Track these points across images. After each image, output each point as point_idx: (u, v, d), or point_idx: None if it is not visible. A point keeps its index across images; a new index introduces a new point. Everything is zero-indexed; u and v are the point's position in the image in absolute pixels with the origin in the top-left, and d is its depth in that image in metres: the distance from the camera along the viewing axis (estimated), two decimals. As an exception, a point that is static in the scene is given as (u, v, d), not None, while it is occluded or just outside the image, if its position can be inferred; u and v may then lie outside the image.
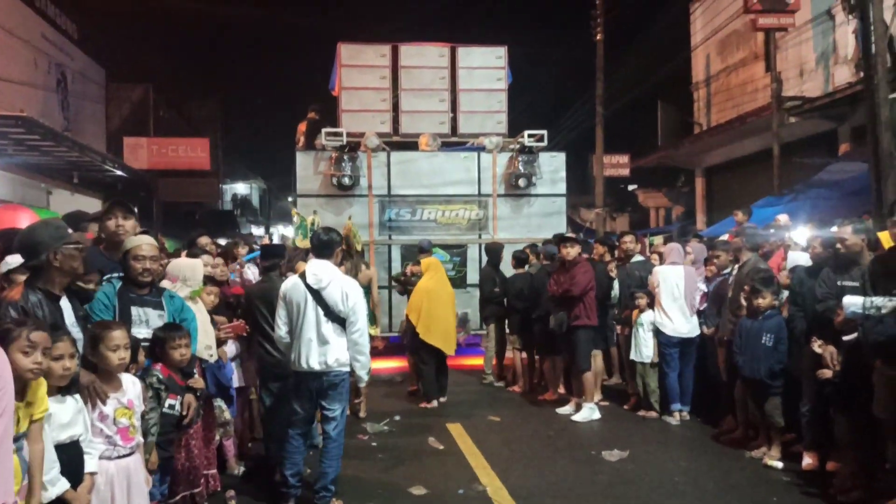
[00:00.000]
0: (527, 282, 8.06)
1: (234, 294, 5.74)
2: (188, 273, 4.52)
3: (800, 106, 12.84)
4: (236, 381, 5.30)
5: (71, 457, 2.83)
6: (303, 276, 4.63)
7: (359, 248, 8.18)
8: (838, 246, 4.78)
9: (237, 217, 30.02)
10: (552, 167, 10.87)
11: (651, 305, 6.89)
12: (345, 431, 4.71)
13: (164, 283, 4.31)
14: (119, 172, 16.74)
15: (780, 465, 5.30)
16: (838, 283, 4.72)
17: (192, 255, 5.36)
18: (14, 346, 2.53)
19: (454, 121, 11.41)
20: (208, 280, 5.00)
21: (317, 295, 4.53)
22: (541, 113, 20.34)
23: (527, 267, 8.33)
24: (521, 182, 10.58)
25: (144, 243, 3.86)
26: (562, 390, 7.73)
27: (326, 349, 4.51)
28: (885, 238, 4.75)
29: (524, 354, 8.33)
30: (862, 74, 7.94)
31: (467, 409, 7.37)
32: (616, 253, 7.99)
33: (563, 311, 6.95)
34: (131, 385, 3.32)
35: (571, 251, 6.98)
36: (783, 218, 8.27)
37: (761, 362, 5.39)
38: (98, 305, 3.66)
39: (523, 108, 16.66)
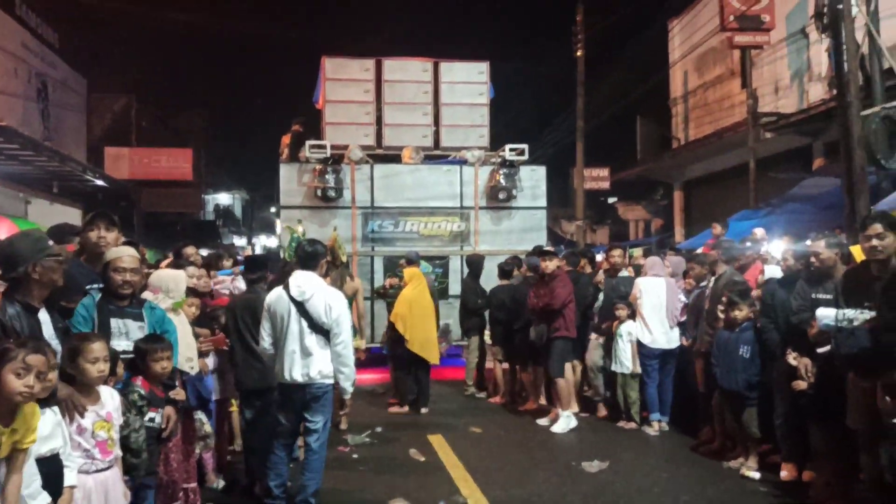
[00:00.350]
0: (509, 293, 8.12)
1: (215, 306, 5.70)
2: (170, 284, 4.50)
3: (775, 122, 13.09)
4: (215, 394, 5.27)
5: (51, 470, 2.80)
6: (287, 287, 4.63)
7: (344, 259, 8.22)
8: (813, 260, 4.88)
9: (219, 228, 29.83)
10: (533, 181, 11.01)
11: (632, 316, 6.97)
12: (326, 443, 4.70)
13: (146, 295, 4.28)
14: (100, 182, 16.59)
15: (757, 475, 5.36)
16: (812, 295, 4.80)
17: (177, 265, 5.31)
18: (8, 367, 2.50)
19: (437, 134, 11.52)
20: (190, 292, 4.98)
21: (300, 307, 4.54)
22: (522, 127, 20.52)
23: (512, 279, 8.39)
24: (503, 195, 10.70)
25: (125, 255, 3.84)
26: (543, 401, 7.77)
27: (310, 361, 4.51)
28: (857, 252, 4.86)
29: (506, 365, 8.37)
30: (835, 92, 8.12)
31: (449, 421, 7.38)
32: (603, 265, 8.05)
33: (543, 324, 7.03)
34: (110, 398, 3.29)
35: (550, 264, 7.07)
36: (760, 231, 8.41)
37: (738, 374, 5.46)
38: (77, 317, 3.63)
39: (505, 123, 16.82)
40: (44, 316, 3.19)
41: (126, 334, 3.77)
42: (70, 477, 2.93)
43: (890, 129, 7.56)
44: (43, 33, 16.91)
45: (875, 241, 4.07)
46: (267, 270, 5.60)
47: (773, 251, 7.31)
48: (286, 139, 11.64)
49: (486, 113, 11.65)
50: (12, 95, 14.64)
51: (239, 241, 32.00)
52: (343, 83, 11.27)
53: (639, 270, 7.58)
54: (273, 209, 37.73)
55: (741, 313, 5.54)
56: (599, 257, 9.31)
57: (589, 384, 7.76)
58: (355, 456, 6.16)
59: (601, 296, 7.53)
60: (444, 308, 9.20)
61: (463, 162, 10.99)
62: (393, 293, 8.48)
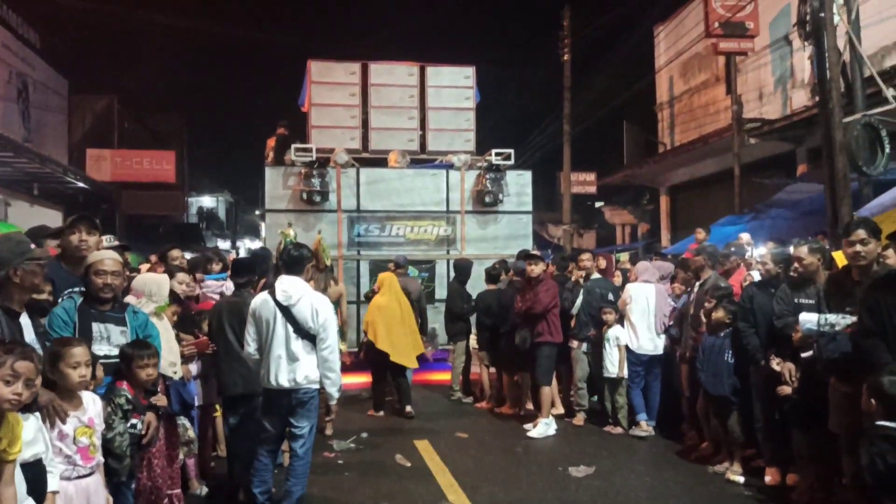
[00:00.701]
0: (496, 298, 8.11)
1: (199, 309, 5.63)
2: (153, 289, 4.45)
3: (759, 128, 13.23)
4: (199, 399, 5.21)
5: (35, 475, 2.75)
6: (272, 292, 4.59)
7: (327, 262, 8.18)
8: (796, 265, 4.91)
9: (203, 230, 29.58)
10: (519, 185, 11.05)
11: (620, 321, 6.99)
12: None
13: (129, 299, 4.23)
14: (80, 184, 16.42)
15: (741, 479, 5.39)
16: (794, 300, 4.84)
17: (167, 271, 5.23)
18: None
19: (423, 138, 11.54)
20: (172, 297, 4.91)
21: (286, 311, 4.50)
22: (509, 131, 20.60)
23: (499, 283, 8.38)
24: (489, 199, 10.71)
25: (107, 258, 3.79)
26: (530, 406, 7.77)
27: (296, 366, 4.47)
28: (839, 257, 4.91)
29: (492, 370, 8.36)
30: (818, 99, 8.21)
31: (435, 426, 7.35)
32: (573, 270, 8.04)
33: (527, 329, 7.03)
34: (91, 403, 3.25)
35: (535, 269, 7.08)
36: (745, 236, 8.48)
37: (723, 379, 5.49)
38: (57, 321, 3.58)
39: (491, 126, 16.88)
40: (25, 320, 3.15)
41: (107, 339, 3.73)
42: (52, 482, 2.88)
43: (871, 135, 7.66)
44: (24, 33, 16.72)
45: (858, 247, 4.11)
46: (255, 274, 5.52)
47: (759, 256, 7.37)
48: (271, 142, 11.60)
49: (473, 117, 11.71)
50: (-8, 96, 14.45)
51: (223, 245, 31.74)
52: (329, 86, 11.27)
53: (625, 275, 7.61)
54: (258, 212, 37.51)
55: (718, 314, 5.56)
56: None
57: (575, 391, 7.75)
58: (341, 462, 6.12)
59: (579, 300, 7.47)
60: (431, 313, 9.18)
61: (449, 166, 11.00)
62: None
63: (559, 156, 19.32)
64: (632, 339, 6.87)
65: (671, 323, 6.83)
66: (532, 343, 7.03)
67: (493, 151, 10.86)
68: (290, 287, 4.56)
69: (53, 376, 3.10)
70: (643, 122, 20.44)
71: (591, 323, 7.29)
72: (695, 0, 15.36)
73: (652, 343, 6.83)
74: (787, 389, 4.84)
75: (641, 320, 6.84)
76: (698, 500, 5.13)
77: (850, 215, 6.96)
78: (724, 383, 5.48)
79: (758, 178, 13.49)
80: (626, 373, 6.90)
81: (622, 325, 6.98)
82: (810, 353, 4.59)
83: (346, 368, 7.18)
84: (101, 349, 3.65)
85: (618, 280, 7.80)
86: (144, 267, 6.92)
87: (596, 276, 7.71)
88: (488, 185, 10.72)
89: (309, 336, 4.50)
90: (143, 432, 3.70)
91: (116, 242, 6.25)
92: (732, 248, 6.90)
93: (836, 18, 7.64)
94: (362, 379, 9.20)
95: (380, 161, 11.15)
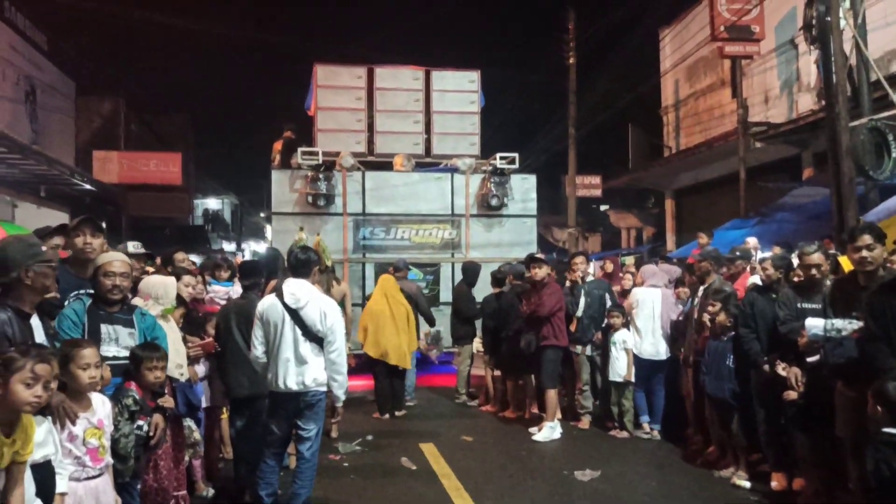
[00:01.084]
0: (500, 301, 8.12)
1: (207, 311, 5.64)
2: (160, 291, 4.48)
3: (765, 131, 13.22)
4: (205, 401, 5.23)
5: (44, 476, 2.78)
6: (280, 295, 4.61)
7: (328, 263, 8.21)
8: (813, 272, 4.87)
9: (208, 232, 29.65)
10: (523, 189, 11.08)
11: (626, 325, 6.99)
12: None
13: (136, 301, 4.26)
14: (87, 186, 16.48)
15: (747, 484, 5.38)
16: (798, 305, 4.83)
17: (174, 273, 5.24)
18: (16, 377, 2.47)
19: (428, 142, 11.58)
20: (178, 300, 4.92)
21: (295, 314, 4.51)
22: (513, 135, 20.60)
23: (504, 286, 8.39)
24: (493, 203, 10.74)
25: (116, 260, 3.82)
26: (535, 409, 7.77)
27: (304, 369, 4.49)
28: (845, 262, 4.90)
29: (497, 373, 8.36)
30: (823, 103, 8.20)
31: (440, 429, 7.36)
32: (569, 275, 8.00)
33: (532, 332, 7.03)
34: (101, 405, 3.27)
35: (539, 272, 7.08)
36: (752, 241, 8.46)
37: (726, 382, 5.49)
38: (67, 323, 3.61)
39: (496, 131, 16.88)
40: (35, 322, 3.17)
41: (116, 340, 3.75)
42: (61, 484, 2.90)
43: (877, 139, 7.64)
44: (32, 35, 16.80)
45: (865, 253, 4.10)
46: (261, 277, 5.54)
47: (759, 261, 7.34)
48: (278, 145, 11.64)
49: (477, 121, 11.75)
50: (0, 98, 14.53)
51: (228, 247, 31.82)
52: (335, 90, 11.33)
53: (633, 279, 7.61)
54: (262, 214, 37.57)
55: (720, 317, 5.55)
56: (593, 265, 9.32)
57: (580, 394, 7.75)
58: (346, 464, 6.13)
59: (582, 302, 7.43)
60: (435, 315, 9.19)
61: (454, 170, 11.03)
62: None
63: (564, 159, 19.31)
64: (637, 343, 6.86)
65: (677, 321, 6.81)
66: (537, 346, 7.03)
67: (498, 155, 10.88)
68: (298, 290, 4.58)
69: (63, 378, 3.12)
70: (648, 125, 20.42)
71: (593, 325, 7.29)
72: (701, 3, 15.34)
73: (658, 347, 6.82)
74: (793, 394, 4.83)
75: (647, 325, 6.83)
76: (704, 504, 5.13)
77: (855, 219, 6.95)
78: (725, 387, 5.47)
79: (763, 181, 13.47)
80: (633, 377, 6.89)
81: (628, 329, 6.98)
82: (817, 357, 4.58)
83: (351, 371, 7.24)
84: (109, 350, 3.67)
85: (627, 283, 7.76)
86: (150, 270, 6.92)
87: (590, 277, 7.70)
88: (493, 188, 10.75)
89: (317, 339, 4.52)
90: (151, 434, 3.72)
91: (143, 250, 6.28)
92: (738, 253, 6.89)
93: (843, 22, 7.63)
94: (367, 381, 9.22)
95: (385, 165, 11.20)
